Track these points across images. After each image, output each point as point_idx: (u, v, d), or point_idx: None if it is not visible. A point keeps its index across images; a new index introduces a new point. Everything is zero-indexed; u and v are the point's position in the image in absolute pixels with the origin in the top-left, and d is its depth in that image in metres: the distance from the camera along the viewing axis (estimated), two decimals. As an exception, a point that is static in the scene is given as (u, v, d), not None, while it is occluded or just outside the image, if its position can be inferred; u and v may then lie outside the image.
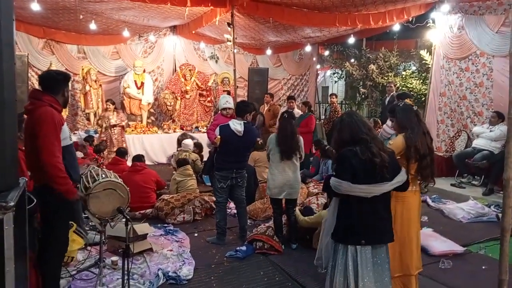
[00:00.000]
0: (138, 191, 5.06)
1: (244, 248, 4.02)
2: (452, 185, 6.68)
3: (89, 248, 3.87)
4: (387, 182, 2.40)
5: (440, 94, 8.03)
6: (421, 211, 3.23)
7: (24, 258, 2.37)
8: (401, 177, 2.44)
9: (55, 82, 2.94)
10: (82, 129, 9.34)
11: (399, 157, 2.86)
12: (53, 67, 8.51)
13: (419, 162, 2.92)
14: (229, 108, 4.74)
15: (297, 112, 7.28)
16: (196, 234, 4.59)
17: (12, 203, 1.79)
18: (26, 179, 2.32)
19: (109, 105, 7.97)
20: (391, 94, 8.12)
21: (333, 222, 2.50)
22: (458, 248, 4.06)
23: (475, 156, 6.45)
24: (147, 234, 4.01)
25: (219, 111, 4.91)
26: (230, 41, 7.23)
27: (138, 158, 5.40)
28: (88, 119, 9.17)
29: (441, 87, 8.04)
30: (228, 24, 6.98)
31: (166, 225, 4.81)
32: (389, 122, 4.59)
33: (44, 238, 2.82)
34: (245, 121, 4.21)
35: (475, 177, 6.77)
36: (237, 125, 4.13)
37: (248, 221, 4.93)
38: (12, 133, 2.03)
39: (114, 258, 3.63)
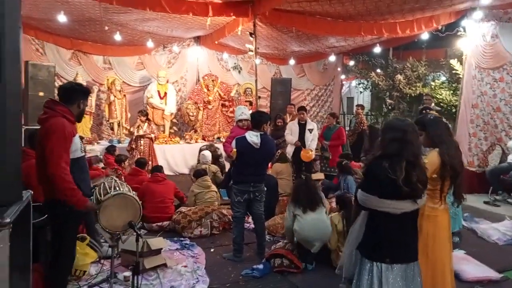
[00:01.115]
0: (158, 201, 5.01)
1: (261, 266, 3.83)
2: (485, 202, 6.26)
3: (102, 261, 3.78)
4: (415, 202, 2.20)
5: (472, 105, 7.64)
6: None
7: (26, 272, 2.28)
8: (423, 200, 2.27)
9: (72, 93, 2.91)
10: (106, 138, 9.44)
11: (435, 175, 2.65)
12: (79, 78, 8.66)
13: (453, 180, 2.70)
14: (245, 120, 4.61)
15: (312, 124, 7.02)
16: (212, 250, 4.44)
17: (8, 220, 1.70)
18: (31, 192, 2.25)
19: (140, 116, 7.97)
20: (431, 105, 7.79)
21: (360, 234, 2.35)
22: (494, 274, 3.72)
23: (511, 172, 6.04)
24: (161, 248, 3.89)
25: (236, 123, 4.78)
26: (252, 51, 7.14)
27: (158, 169, 5.35)
28: (112, 129, 9.27)
29: (473, 98, 7.65)
30: (250, 34, 6.90)
31: (182, 238, 4.69)
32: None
33: (54, 251, 2.74)
34: (262, 133, 4.06)
35: (511, 194, 6.34)
36: (253, 137, 3.98)
37: (267, 236, 4.75)
38: (15, 145, 1.96)
39: (127, 273, 3.51)
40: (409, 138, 2.18)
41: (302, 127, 6.75)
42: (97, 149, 7.93)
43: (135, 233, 2.82)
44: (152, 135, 8.02)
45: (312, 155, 6.64)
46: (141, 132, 7.85)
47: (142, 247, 3.66)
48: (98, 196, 2.94)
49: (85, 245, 3.55)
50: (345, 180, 5.92)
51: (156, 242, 3.85)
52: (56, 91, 8.93)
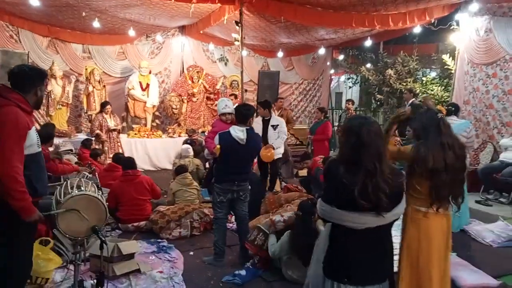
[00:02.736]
0: (131, 203, 4.65)
1: (243, 272, 3.54)
2: (477, 202, 6.05)
3: (69, 266, 3.42)
4: (384, 214, 1.82)
5: (464, 102, 7.43)
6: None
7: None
8: (399, 209, 1.90)
9: (27, 79, 2.53)
10: (85, 131, 9.00)
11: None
12: (55, 67, 8.20)
13: (430, 179, 2.46)
14: (229, 113, 4.27)
15: (277, 119, 6.04)
16: (191, 253, 4.12)
17: None
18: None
19: (108, 108, 7.55)
20: (410, 102, 7.58)
21: (324, 247, 2.00)
22: (492, 281, 3.49)
23: (503, 170, 5.85)
24: (134, 253, 3.55)
25: (218, 117, 4.44)
26: (238, 40, 6.79)
27: (129, 165, 4.87)
28: (90, 121, 8.79)
29: (465, 95, 7.45)
30: (236, 23, 6.53)
31: (160, 240, 4.36)
32: None
33: (2, 261, 2.38)
34: (248, 127, 3.73)
35: (503, 193, 6.15)
36: (239, 132, 3.65)
37: (251, 237, 4.45)
38: None
39: (94, 281, 3.17)
40: (365, 141, 1.82)
41: (266, 123, 5.87)
42: (72, 142, 7.52)
43: (99, 239, 2.48)
44: (119, 127, 7.76)
45: (273, 154, 5.62)
46: (112, 126, 7.45)
47: (112, 252, 3.33)
48: (58, 196, 2.58)
49: (49, 250, 3.18)
50: None
51: (128, 246, 3.51)
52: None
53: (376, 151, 1.83)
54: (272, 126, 5.80)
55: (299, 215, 3.59)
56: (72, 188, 2.66)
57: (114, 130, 7.54)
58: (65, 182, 2.80)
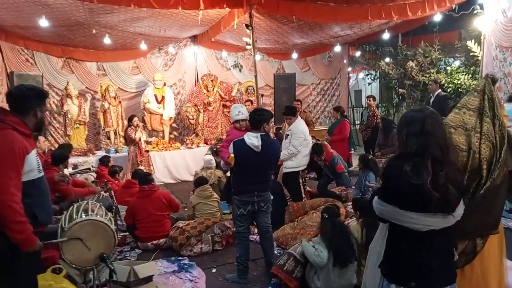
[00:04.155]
0: (149, 219, 4.46)
1: (269, 290, 3.28)
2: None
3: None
4: (450, 215, 1.74)
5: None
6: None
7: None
8: (460, 210, 1.79)
9: (24, 100, 2.37)
10: (104, 148, 8.97)
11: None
12: (70, 86, 8.20)
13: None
14: (243, 120, 4.04)
15: (294, 128, 5.27)
16: (214, 270, 3.89)
17: None
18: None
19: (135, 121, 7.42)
20: (436, 93, 7.20)
21: (381, 249, 1.90)
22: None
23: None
24: (152, 275, 3.35)
25: (232, 124, 4.21)
26: (249, 44, 6.57)
27: (145, 180, 4.72)
28: (109, 138, 8.77)
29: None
30: (247, 26, 6.32)
31: (180, 258, 4.15)
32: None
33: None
34: (262, 133, 3.49)
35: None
36: (253, 139, 3.42)
37: (277, 249, 4.20)
38: None
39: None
40: (429, 129, 1.74)
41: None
42: (91, 160, 7.47)
43: (108, 268, 2.28)
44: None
45: None
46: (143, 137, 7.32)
47: (129, 276, 3.13)
48: (63, 223, 2.40)
49: (62, 278, 3.01)
50: (366, 176, 5.36)
51: (146, 268, 3.31)
52: (48, 103, 8.65)
53: (442, 140, 1.77)
54: (286, 135, 5.39)
55: (326, 218, 3.36)
56: (78, 213, 2.48)
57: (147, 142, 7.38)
58: (72, 206, 2.63)
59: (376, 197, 1.87)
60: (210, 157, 6.47)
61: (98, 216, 2.47)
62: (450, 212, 1.74)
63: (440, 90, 7.26)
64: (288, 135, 5.34)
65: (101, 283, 2.99)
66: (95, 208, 2.59)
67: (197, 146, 8.66)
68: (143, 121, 8.98)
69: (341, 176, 5.30)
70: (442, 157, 1.73)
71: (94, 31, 7.45)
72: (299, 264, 3.32)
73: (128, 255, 4.27)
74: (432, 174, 1.66)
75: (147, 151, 7.52)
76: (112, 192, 4.68)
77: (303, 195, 5.71)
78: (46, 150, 5.89)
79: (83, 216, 2.47)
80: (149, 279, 3.30)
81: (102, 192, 4.49)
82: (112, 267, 2.28)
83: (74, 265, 2.36)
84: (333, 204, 4.39)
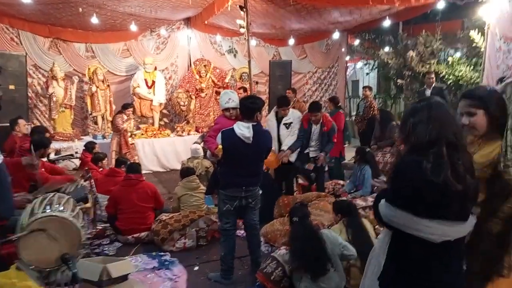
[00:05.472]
0: (132, 210, 4.22)
1: (254, 292, 3.04)
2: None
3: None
4: (463, 222, 1.54)
5: (497, 82, 6.70)
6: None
7: None
8: (472, 221, 1.60)
9: None
10: (92, 133, 8.66)
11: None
12: (56, 67, 7.85)
13: None
14: (233, 108, 3.74)
15: (292, 115, 5.09)
16: (196, 268, 3.65)
17: None
18: None
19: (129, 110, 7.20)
20: (432, 86, 6.97)
21: (382, 261, 1.65)
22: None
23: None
24: (127, 274, 3.09)
25: (222, 112, 3.91)
26: (243, 27, 6.23)
27: (133, 169, 4.47)
28: (96, 123, 8.45)
29: (498, 74, 6.70)
30: (241, 8, 5.98)
31: (162, 253, 3.90)
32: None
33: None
34: (254, 123, 3.21)
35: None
36: (244, 130, 3.14)
37: (264, 246, 3.97)
38: None
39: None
40: (438, 113, 1.57)
41: (279, 121, 5.13)
42: (76, 146, 7.17)
43: (70, 270, 2.02)
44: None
45: (276, 158, 4.93)
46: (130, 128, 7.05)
47: (101, 275, 2.87)
48: (23, 219, 2.13)
49: (26, 275, 2.75)
50: (362, 171, 5.11)
51: (120, 266, 3.03)
52: (33, 83, 8.27)
53: (454, 123, 1.60)
54: (285, 124, 5.06)
55: (296, 222, 3.09)
56: (40, 206, 2.20)
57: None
58: (36, 199, 2.35)
59: (383, 201, 1.61)
60: (197, 145, 6.17)
61: (65, 212, 2.19)
62: (471, 206, 1.57)
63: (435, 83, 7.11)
64: (287, 124, 5.05)
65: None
66: (62, 201, 2.31)
67: (188, 134, 8.38)
68: (133, 106, 8.66)
69: (330, 144, 5.07)
70: (456, 141, 1.54)
71: (80, 9, 7.09)
72: (286, 275, 3.05)
73: (106, 248, 4.02)
74: (450, 164, 1.47)
75: (132, 144, 7.22)
76: (93, 181, 4.39)
77: (295, 188, 5.47)
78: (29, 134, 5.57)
79: (47, 211, 2.19)
80: (124, 277, 3.05)
81: (82, 181, 4.20)
82: (75, 270, 2.02)
83: (32, 267, 2.10)
84: (300, 203, 3.93)
